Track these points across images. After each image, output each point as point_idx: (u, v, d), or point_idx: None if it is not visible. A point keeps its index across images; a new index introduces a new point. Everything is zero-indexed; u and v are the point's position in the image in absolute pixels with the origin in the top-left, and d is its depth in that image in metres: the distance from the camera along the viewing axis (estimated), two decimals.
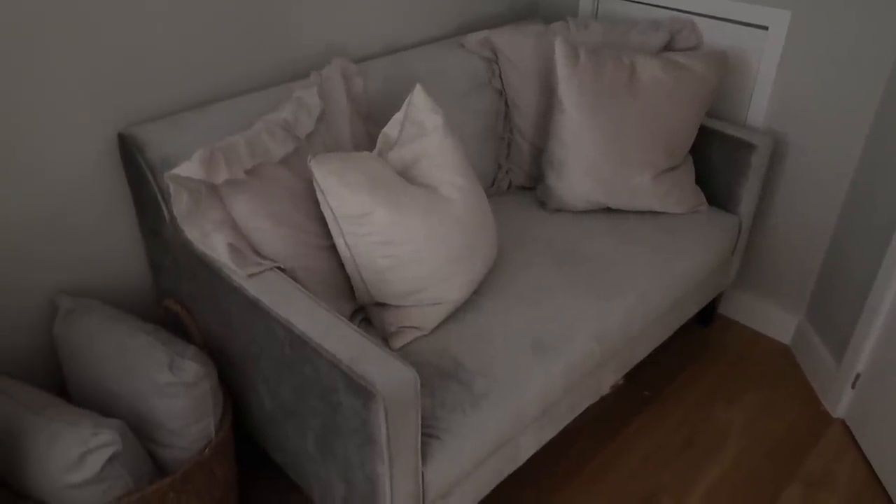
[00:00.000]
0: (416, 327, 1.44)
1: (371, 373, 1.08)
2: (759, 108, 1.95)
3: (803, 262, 2.02)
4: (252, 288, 1.27)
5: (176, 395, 1.32)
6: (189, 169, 1.23)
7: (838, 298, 1.88)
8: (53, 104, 1.37)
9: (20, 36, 1.29)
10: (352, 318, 1.50)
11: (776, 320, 2.14)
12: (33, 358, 1.54)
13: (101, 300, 1.57)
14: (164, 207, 1.45)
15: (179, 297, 1.55)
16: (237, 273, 1.28)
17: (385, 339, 1.45)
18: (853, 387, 1.81)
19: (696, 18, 1.99)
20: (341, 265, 1.47)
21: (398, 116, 1.51)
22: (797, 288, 2.07)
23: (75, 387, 1.46)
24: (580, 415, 1.88)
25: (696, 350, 2.13)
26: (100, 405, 1.41)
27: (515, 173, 2.06)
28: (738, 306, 2.23)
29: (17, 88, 1.31)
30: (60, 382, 1.58)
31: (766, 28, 1.86)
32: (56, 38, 1.33)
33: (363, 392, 1.08)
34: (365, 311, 1.51)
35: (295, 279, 1.36)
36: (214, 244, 1.28)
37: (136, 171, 1.46)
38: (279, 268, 1.34)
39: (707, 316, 2.20)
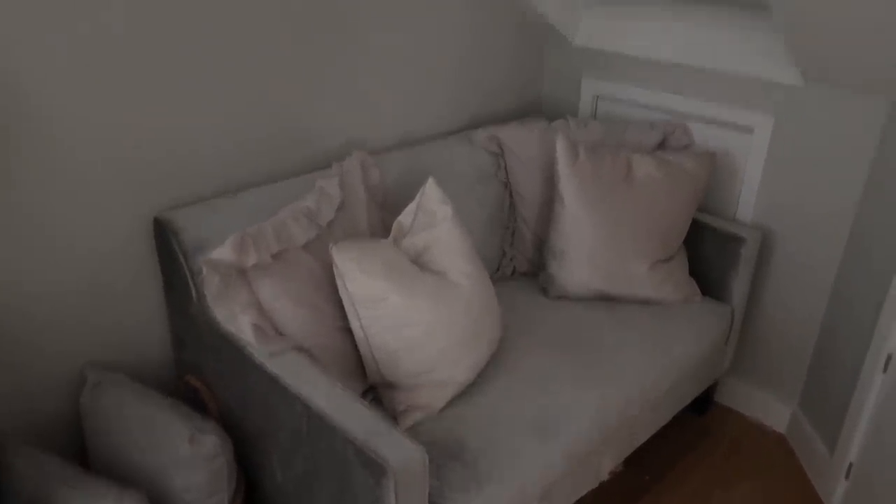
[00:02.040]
0: (424, 407, 1.52)
1: (384, 450, 1.15)
2: (747, 204, 2.08)
3: (795, 351, 2.11)
4: (274, 366, 1.35)
5: (195, 468, 1.39)
6: (222, 253, 1.34)
7: (829, 388, 1.96)
8: (95, 185, 1.49)
9: (70, 119, 1.43)
10: (363, 396, 1.57)
11: (771, 409, 2.21)
12: (57, 426, 1.61)
13: (125, 372, 1.65)
14: (192, 287, 1.55)
15: (199, 373, 1.64)
16: (260, 352, 1.37)
17: (394, 417, 1.52)
18: (847, 477, 1.86)
19: (687, 121, 2.15)
20: (355, 346, 1.56)
21: (411, 206, 1.63)
22: (790, 377, 2.14)
23: (97, 456, 1.53)
24: (580, 499, 1.92)
25: (694, 437, 2.18)
26: (120, 476, 1.47)
27: (519, 260, 2.17)
28: (734, 394, 2.29)
29: (62, 168, 1.44)
30: (81, 451, 1.64)
31: (751, 131, 2.02)
32: (103, 126, 1.47)
33: (376, 468, 1.15)
34: (375, 391, 1.59)
35: (312, 357, 1.44)
36: (241, 324, 1.38)
37: (169, 252, 1.57)
38: (300, 347, 1.43)
39: (704, 404, 2.27)
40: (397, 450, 1.16)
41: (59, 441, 1.62)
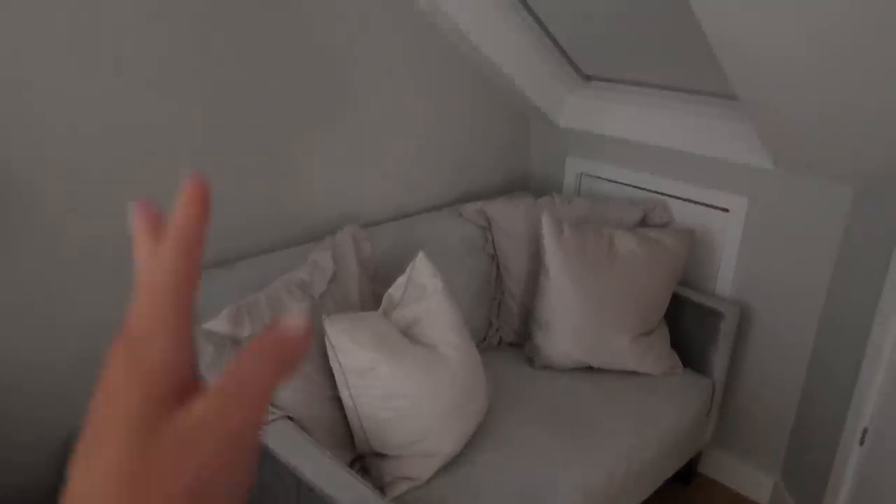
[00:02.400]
0: (411, 478, 1.53)
1: None
2: (725, 279, 2.16)
3: (775, 423, 2.14)
4: (264, 436, 1.37)
5: None
6: (217, 325, 1.38)
7: (809, 460, 1.99)
8: (90, 257, 1.54)
9: (66, 194, 1.48)
10: (350, 465, 1.59)
11: (753, 480, 2.23)
12: (42, 497, 1.60)
13: None
14: None
15: None
16: None
17: (381, 488, 1.53)
18: None
19: (667, 199, 2.25)
20: (344, 415, 1.58)
21: (402, 279, 1.69)
22: (771, 448, 2.17)
23: None
24: None
25: None
26: None
27: (505, 330, 2.22)
28: (717, 466, 2.32)
29: (59, 244, 1.49)
30: None
31: (727, 210, 2.12)
32: (98, 198, 1.53)
33: None
34: (363, 460, 1.61)
35: (301, 427, 1.47)
36: None
37: None
38: (289, 417, 1.46)
39: (688, 475, 2.28)
40: None
41: None
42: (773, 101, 1.61)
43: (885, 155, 1.63)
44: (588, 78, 2.41)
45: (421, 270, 1.69)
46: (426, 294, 1.66)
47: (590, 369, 2.05)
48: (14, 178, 1.39)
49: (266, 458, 1.36)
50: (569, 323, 1.97)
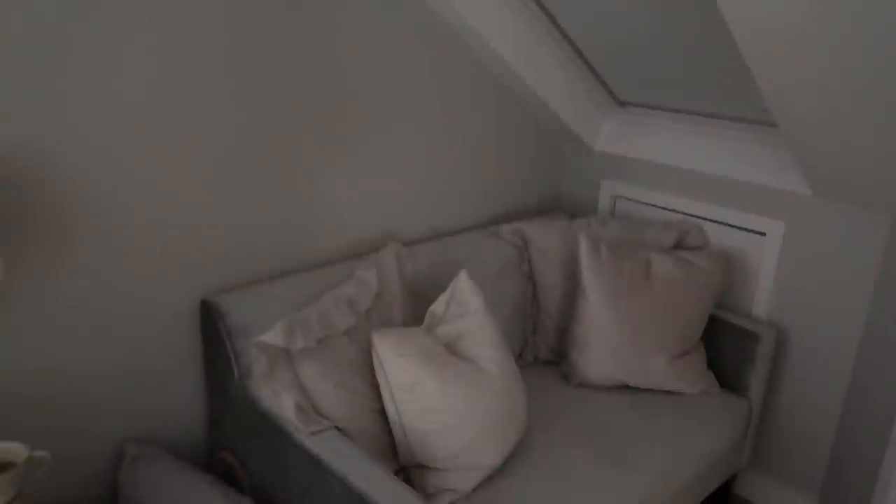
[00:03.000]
0: (453, 490, 1.56)
1: None
2: (762, 301, 2.17)
3: (813, 446, 2.14)
4: (313, 445, 1.42)
5: None
6: (273, 337, 1.43)
7: (849, 484, 1.98)
8: (147, 269, 1.61)
9: (128, 208, 1.56)
10: None
11: (791, 503, 2.22)
12: (94, 498, 1.65)
13: (161, 446, 1.70)
14: (234, 367, 1.63)
15: (234, 450, 1.69)
16: (301, 430, 1.44)
17: (424, 499, 1.56)
18: None
19: (702, 222, 2.27)
20: (388, 428, 1.62)
21: (444, 296, 1.73)
22: (809, 471, 2.16)
23: None
24: None
25: None
26: None
27: (540, 348, 2.25)
28: (753, 488, 2.30)
29: (119, 253, 1.56)
30: None
31: (763, 234, 2.14)
32: (157, 214, 1.60)
33: None
34: (405, 472, 1.64)
35: (349, 437, 1.51)
36: (284, 403, 1.45)
37: (214, 333, 1.66)
38: (337, 427, 1.50)
39: (724, 496, 2.27)
40: None
41: None
42: (812, 130, 1.64)
43: None
44: (623, 103, 2.46)
45: (463, 288, 1.73)
46: (468, 311, 1.71)
47: (626, 388, 2.06)
48: (74, 187, 1.46)
49: (315, 467, 1.40)
50: (606, 342, 2.00)
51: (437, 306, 1.73)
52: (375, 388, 1.61)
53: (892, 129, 1.48)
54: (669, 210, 2.37)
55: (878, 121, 1.47)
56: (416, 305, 1.92)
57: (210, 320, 1.67)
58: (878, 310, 1.90)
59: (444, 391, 1.53)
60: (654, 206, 2.42)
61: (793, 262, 2.09)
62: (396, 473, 1.63)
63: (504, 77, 2.27)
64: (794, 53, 1.38)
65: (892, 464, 1.77)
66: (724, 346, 2.14)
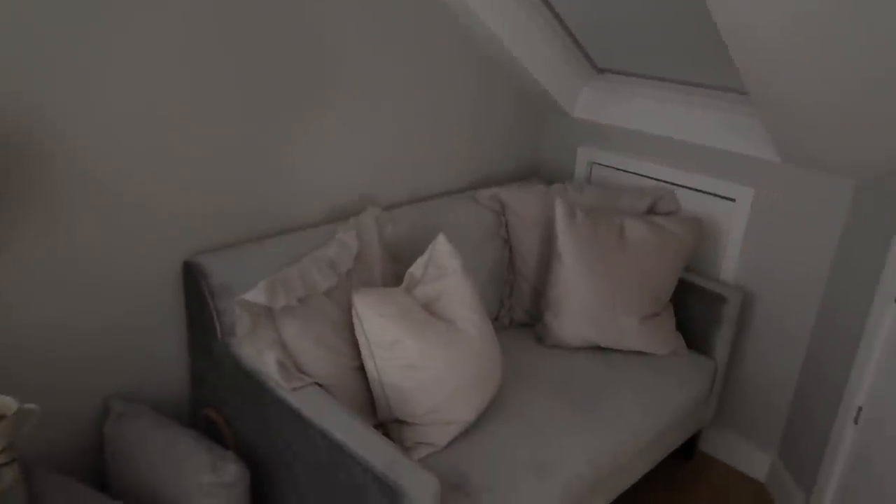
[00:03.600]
0: (430, 444, 1.63)
1: (401, 478, 1.27)
2: (730, 266, 2.24)
3: (774, 404, 2.24)
4: (295, 400, 1.47)
5: (216, 494, 1.48)
6: (255, 296, 1.47)
7: (805, 439, 2.09)
8: (133, 230, 1.63)
9: (114, 169, 1.57)
10: None
11: (752, 458, 2.33)
12: (79, 454, 1.70)
13: (146, 404, 1.74)
14: (217, 326, 1.67)
15: (218, 407, 1.74)
16: (283, 386, 1.49)
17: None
18: None
19: (675, 188, 2.33)
20: (367, 385, 1.68)
21: (423, 259, 1.78)
22: (770, 428, 2.27)
23: (117, 483, 1.62)
24: None
25: (679, 483, 2.29)
26: (139, 500, 1.56)
27: (516, 311, 2.31)
28: (717, 444, 2.41)
29: (105, 214, 1.58)
30: (100, 479, 1.73)
31: (733, 200, 2.20)
32: (143, 176, 1.62)
33: (392, 494, 1.26)
34: (384, 427, 1.70)
35: (329, 394, 1.56)
36: (266, 360, 1.50)
37: (197, 293, 1.69)
38: (317, 384, 1.55)
39: (690, 451, 2.38)
40: (414, 478, 1.27)
41: (81, 468, 1.71)
42: (781, 97, 1.69)
43: (886, 150, 1.71)
44: (601, 70, 2.49)
45: (441, 251, 1.77)
46: (446, 273, 1.75)
47: (598, 348, 2.14)
48: (63, 149, 1.47)
49: (296, 421, 1.45)
50: (579, 304, 2.06)
51: (416, 268, 1.77)
52: (355, 346, 1.66)
53: (860, 95, 1.53)
54: (644, 176, 2.43)
55: (843, 89, 1.52)
56: (395, 268, 1.96)
57: (193, 281, 1.70)
58: (837, 274, 1.99)
59: (422, 349, 1.58)
60: (628, 172, 2.47)
61: (760, 228, 2.16)
62: (375, 429, 1.69)
63: (484, 43, 2.28)
64: (765, 24, 1.42)
65: (845, 420, 1.87)
66: (693, 309, 2.22)
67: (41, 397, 1.59)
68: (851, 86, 1.52)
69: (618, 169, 2.50)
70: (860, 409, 1.84)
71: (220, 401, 1.73)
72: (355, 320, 1.59)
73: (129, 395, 1.76)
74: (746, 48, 1.56)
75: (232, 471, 1.50)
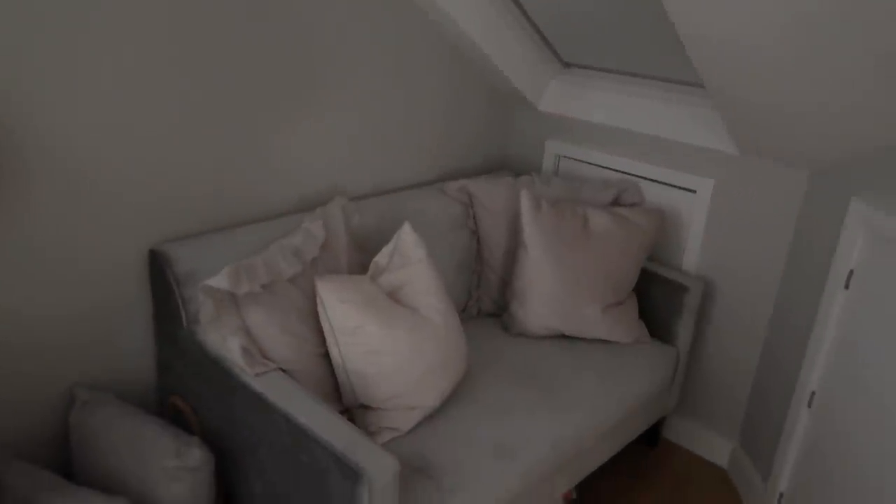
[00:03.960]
0: (394, 428, 1.65)
1: (360, 458, 1.29)
2: (692, 256, 2.30)
3: (734, 392, 2.30)
4: (259, 385, 1.49)
5: (180, 478, 1.50)
6: (218, 281, 1.48)
7: (763, 424, 2.14)
8: (97, 218, 1.64)
9: (80, 156, 1.58)
10: None
11: (714, 445, 2.38)
12: (44, 443, 1.70)
13: (112, 393, 1.75)
14: (183, 314, 1.68)
15: (184, 395, 1.75)
16: (247, 372, 1.51)
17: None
18: None
19: (639, 181, 2.38)
20: (332, 371, 1.70)
21: (388, 248, 1.80)
22: (731, 415, 2.33)
23: (83, 470, 1.62)
24: None
25: (643, 470, 2.34)
26: (104, 487, 1.57)
27: (484, 301, 2.35)
28: (680, 431, 2.47)
29: (71, 200, 1.58)
30: (67, 464, 1.73)
31: (694, 191, 2.26)
32: (108, 163, 1.63)
33: (352, 474, 1.28)
34: (348, 413, 1.72)
35: (293, 379, 1.58)
36: (230, 346, 1.51)
37: (163, 281, 1.70)
38: (282, 369, 1.57)
39: (654, 438, 2.43)
40: (373, 459, 1.30)
41: (46, 456, 1.71)
42: (736, 91, 1.74)
43: (837, 142, 1.77)
44: (568, 65, 2.53)
45: (406, 240, 1.80)
46: (410, 262, 1.78)
47: (563, 337, 2.18)
48: (29, 134, 1.48)
49: (260, 406, 1.47)
50: (544, 293, 2.10)
51: (381, 257, 1.80)
52: (320, 333, 1.69)
53: (813, 90, 1.58)
54: (609, 169, 2.47)
55: (800, 82, 1.57)
56: (362, 257, 1.99)
57: (158, 269, 1.71)
58: (792, 263, 2.05)
59: (386, 335, 1.61)
60: (594, 165, 2.51)
61: (720, 219, 2.22)
62: (341, 414, 1.71)
63: (453, 37, 2.31)
64: (721, 31, 1.46)
65: (799, 404, 1.92)
66: (656, 298, 2.27)
67: (5, 385, 1.59)
68: (802, 85, 1.57)
69: (584, 162, 2.54)
70: (813, 393, 1.89)
71: (186, 389, 1.75)
72: (319, 307, 1.61)
73: (95, 384, 1.76)
74: (704, 53, 1.61)
75: (196, 455, 1.52)
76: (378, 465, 1.29)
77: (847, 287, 1.77)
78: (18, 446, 1.66)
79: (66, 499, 1.41)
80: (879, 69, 1.42)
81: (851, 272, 1.76)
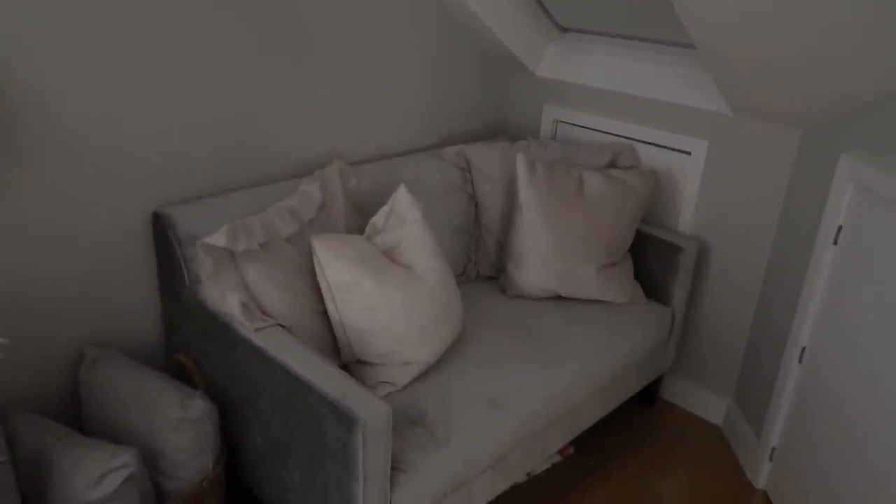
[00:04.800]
0: (390, 382, 1.71)
1: (354, 405, 1.34)
2: (687, 217, 2.32)
3: (729, 351, 2.33)
4: (258, 339, 1.54)
5: (184, 429, 1.56)
6: (216, 239, 1.53)
7: (756, 381, 2.18)
8: (102, 182, 1.69)
9: (83, 120, 1.62)
10: None
11: (709, 404, 2.42)
12: (55, 398, 1.77)
13: (117, 350, 1.81)
14: (185, 273, 1.73)
15: (188, 352, 1.81)
16: (246, 327, 1.56)
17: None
18: (770, 459, 2.07)
19: (634, 143, 2.40)
20: (330, 329, 1.75)
21: (384, 209, 1.84)
22: (726, 374, 2.36)
23: (92, 423, 1.69)
24: (533, 478, 2.11)
25: (639, 428, 2.38)
26: (113, 439, 1.64)
27: (482, 265, 2.39)
28: (676, 391, 2.51)
29: (75, 165, 1.63)
30: (78, 420, 1.80)
31: (689, 153, 2.27)
32: (112, 127, 1.67)
33: (347, 420, 1.34)
34: (346, 369, 1.78)
35: (291, 334, 1.63)
36: (230, 302, 1.56)
37: (165, 243, 1.76)
38: (280, 325, 1.62)
39: (650, 398, 2.48)
40: (366, 405, 1.35)
41: (58, 410, 1.78)
42: (726, 50, 1.75)
43: (829, 98, 1.78)
44: (564, 29, 2.54)
45: (401, 202, 1.84)
46: (406, 222, 1.82)
47: (559, 298, 2.22)
48: (31, 99, 1.52)
49: (260, 359, 1.53)
50: (540, 255, 2.14)
51: (378, 218, 1.84)
52: (318, 291, 1.73)
53: (803, 47, 1.59)
54: (606, 133, 2.49)
55: (790, 40, 1.59)
56: (360, 220, 2.03)
57: (161, 231, 1.76)
58: (785, 222, 2.07)
59: (382, 292, 1.65)
60: (591, 129, 2.53)
61: (714, 180, 2.24)
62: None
63: (449, 3, 2.32)
64: None
65: (790, 360, 1.96)
66: (651, 259, 2.30)
67: (19, 344, 1.66)
68: (796, 38, 1.58)
69: (582, 126, 2.56)
70: (804, 349, 1.93)
71: (190, 346, 1.81)
72: (316, 264, 1.66)
73: (103, 342, 1.82)
74: (693, 12, 1.62)
75: (199, 407, 1.58)
76: (371, 411, 1.34)
77: (836, 243, 1.79)
78: (32, 401, 1.73)
79: (76, 448, 1.48)
80: (868, 23, 1.43)
81: (840, 228, 1.78)
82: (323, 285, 1.67)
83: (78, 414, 1.81)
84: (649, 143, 2.37)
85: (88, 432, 1.72)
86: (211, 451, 1.63)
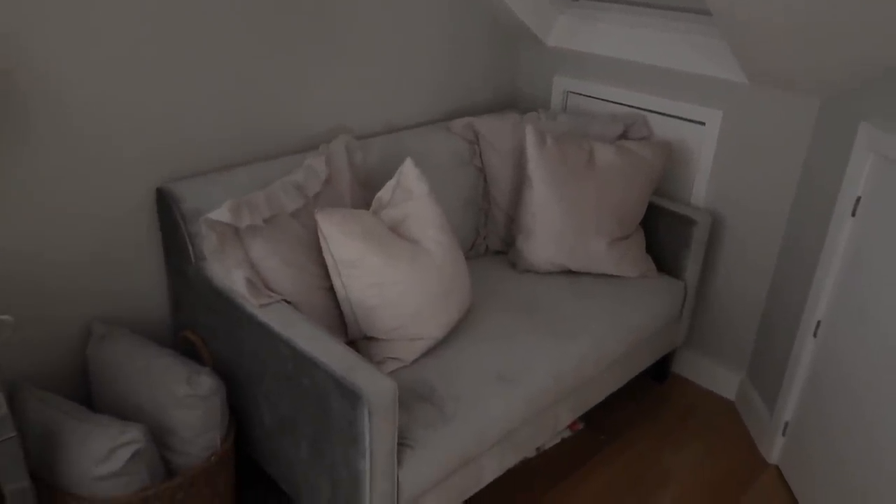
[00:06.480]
0: (398, 358, 1.69)
1: (359, 381, 1.33)
2: (700, 190, 2.27)
3: (743, 325, 2.30)
4: (263, 315, 1.53)
5: (192, 406, 1.56)
6: (220, 214, 1.51)
7: (770, 356, 2.15)
8: (106, 159, 1.67)
9: (86, 96, 1.60)
10: None
11: (722, 378, 2.40)
12: (64, 375, 1.77)
13: (127, 328, 1.81)
14: (191, 250, 1.72)
15: (195, 329, 1.81)
16: (251, 303, 1.55)
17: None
18: (783, 434, 2.05)
19: (647, 114, 2.35)
20: (336, 305, 1.74)
21: (391, 183, 1.81)
22: (739, 348, 2.33)
23: (101, 400, 1.70)
24: (543, 453, 2.10)
25: (651, 403, 2.36)
26: (121, 415, 1.64)
27: (492, 239, 2.36)
28: (689, 365, 2.48)
29: (78, 143, 1.62)
30: (87, 396, 1.81)
31: (703, 124, 2.22)
32: (115, 104, 1.65)
33: (352, 396, 1.32)
34: (354, 346, 1.77)
35: (296, 310, 1.62)
36: (235, 278, 1.55)
37: (170, 219, 1.74)
38: (286, 301, 1.61)
39: (662, 373, 2.45)
40: (371, 381, 1.34)
41: (67, 387, 1.79)
42: (743, 16, 1.69)
43: (848, 67, 1.72)
44: None
45: (408, 175, 1.81)
46: (412, 196, 1.79)
47: (569, 272, 2.19)
48: (36, 78, 1.50)
49: (265, 334, 1.52)
50: (550, 228, 2.10)
51: (384, 192, 1.81)
52: (323, 266, 1.72)
53: (821, 12, 1.53)
54: (618, 103, 2.43)
55: (805, 8, 1.53)
56: (366, 194, 2.00)
57: (166, 207, 1.75)
58: (802, 194, 2.01)
59: (387, 267, 1.63)
60: (603, 100, 2.47)
61: (729, 151, 2.18)
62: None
63: None
64: None
65: (805, 334, 1.92)
66: (664, 232, 2.26)
67: (27, 322, 1.66)
68: (813, 4, 1.52)
69: (593, 97, 2.50)
70: (819, 322, 1.89)
71: (197, 323, 1.80)
72: (321, 240, 1.64)
73: (111, 319, 1.82)
74: None
75: (206, 383, 1.58)
76: (377, 387, 1.33)
77: (854, 214, 1.74)
78: (40, 378, 1.74)
79: (85, 424, 1.48)
80: None
81: (859, 199, 1.73)
82: (329, 261, 1.65)
83: (86, 391, 1.82)
84: (662, 114, 2.32)
85: (97, 409, 1.72)
86: (219, 428, 1.63)
